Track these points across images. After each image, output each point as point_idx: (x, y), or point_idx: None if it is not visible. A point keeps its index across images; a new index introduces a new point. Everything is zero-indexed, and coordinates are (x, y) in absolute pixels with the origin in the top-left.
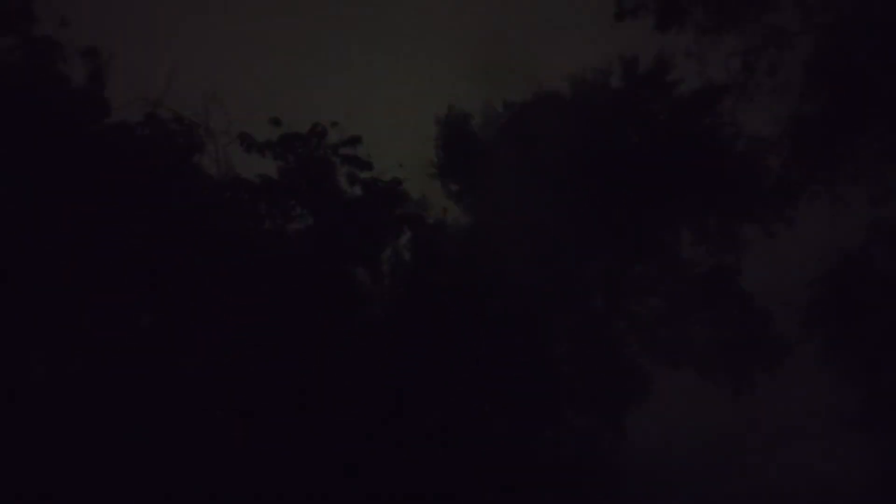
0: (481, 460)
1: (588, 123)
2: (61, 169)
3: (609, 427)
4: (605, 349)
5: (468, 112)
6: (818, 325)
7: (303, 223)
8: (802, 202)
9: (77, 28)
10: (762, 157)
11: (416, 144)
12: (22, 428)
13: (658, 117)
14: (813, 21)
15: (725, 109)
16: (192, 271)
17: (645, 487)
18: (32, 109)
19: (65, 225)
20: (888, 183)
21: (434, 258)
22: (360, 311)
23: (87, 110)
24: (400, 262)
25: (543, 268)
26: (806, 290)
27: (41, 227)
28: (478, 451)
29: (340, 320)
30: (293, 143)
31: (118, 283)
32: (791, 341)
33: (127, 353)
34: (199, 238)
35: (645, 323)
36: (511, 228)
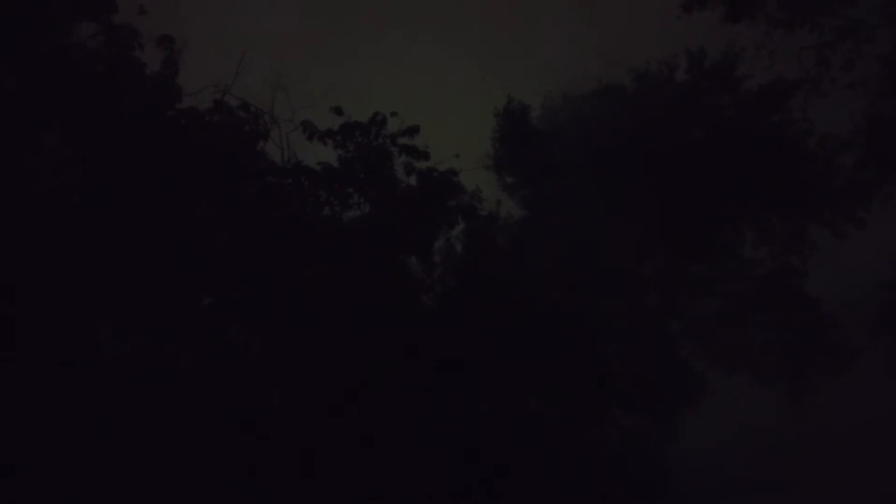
0: (527, 455)
1: (651, 118)
2: (134, 151)
3: (659, 428)
4: (659, 349)
5: (527, 104)
6: (887, 331)
7: (360, 211)
8: (875, 203)
9: (153, 16)
10: (834, 155)
11: (471, 135)
12: (93, 398)
13: (724, 113)
14: (892, 14)
15: (796, 106)
16: (254, 253)
17: (694, 491)
18: (111, 94)
19: (136, 204)
20: None
21: (486, 250)
22: (411, 299)
23: (160, 96)
24: (452, 253)
25: (598, 264)
26: (875, 295)
27: (114, 205)
28: (523, 445)
29: (392, 307)
30: (353, 132)
31: (184, 260)
32: (858, 348)
33: (190, 330)
34: (262, 221)
35: (701, 324)
36: (566, 222)
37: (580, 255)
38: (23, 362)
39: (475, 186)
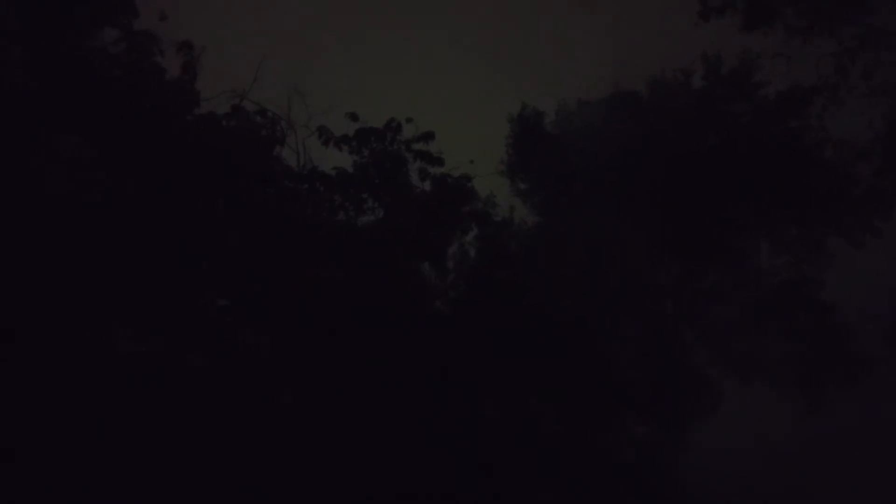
0: (537, 460)
1: (666, 124)
2: (152, 155)
3: (672, 438)
4: (673, 356)
5: (541, 111)
6: None
7: (374, 216)
8: (893, 212)
9: (174, 21)
10: (852, 164)
11: (479, 138)
12: (108, 399)
13: (740, 120)
14: None
15: (814, 113)
16: (267, 256)
17: (706, 499)
18: (131, 98)
19: (153, 207)
20: None
21: (499, 256)
22: (424, 305)
23: (178, 101)
24: (465, 259)
25: (611, 271)
26: (892, 304)
27: (131, 208)
28: (533, 451)
29: (405, 312)
30: (369, 138)
31: (199, 262)
32: (874, 358)
33: (204, 331)
34: (276, 225)
35: (716, 331)
36: (580, 229)
37: (594, 262)
38: (39, 363)
39: (489, 192)
